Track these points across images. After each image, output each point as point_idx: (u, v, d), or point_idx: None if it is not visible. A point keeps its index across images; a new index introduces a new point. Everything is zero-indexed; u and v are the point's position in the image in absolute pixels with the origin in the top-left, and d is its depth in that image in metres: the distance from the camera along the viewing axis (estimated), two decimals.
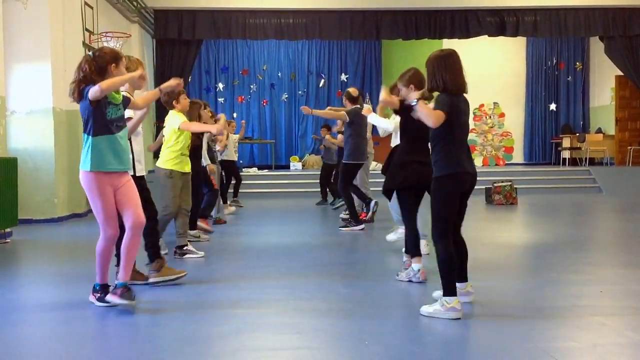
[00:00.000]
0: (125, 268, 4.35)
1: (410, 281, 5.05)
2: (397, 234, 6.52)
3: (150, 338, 3.71)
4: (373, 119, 6.09)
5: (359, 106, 8.27)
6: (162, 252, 5.65)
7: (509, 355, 3.31)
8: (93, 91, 4.12)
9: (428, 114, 3.95)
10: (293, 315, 4.13)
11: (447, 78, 4.03)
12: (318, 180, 12.17)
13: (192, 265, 5.96)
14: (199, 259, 6.24)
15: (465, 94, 4.15)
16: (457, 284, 4.13)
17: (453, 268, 4.02)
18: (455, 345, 3.55)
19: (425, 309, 4.03)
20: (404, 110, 4.72)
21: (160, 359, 3.33)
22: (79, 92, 4.26)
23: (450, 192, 4.04)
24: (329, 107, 9.64)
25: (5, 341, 3.65)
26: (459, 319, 3.89)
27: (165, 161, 6.12)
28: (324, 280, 5.18)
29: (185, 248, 6.31)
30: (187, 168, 6.27)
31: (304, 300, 4.52)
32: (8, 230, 7.73)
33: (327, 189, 11.89)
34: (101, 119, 4.28)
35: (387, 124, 6.06)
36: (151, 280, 5.02)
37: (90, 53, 4.38)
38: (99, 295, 4.36)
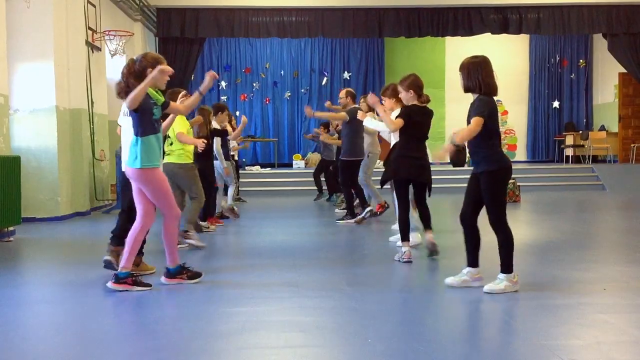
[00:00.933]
0: (173, 254, 4.87)
1: (399, 261, 5.71)
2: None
3: (153, 335, 3.71)
4: (368, 122, 6.70)
5: (357, 106, 8.70)
6: (202, 244, 6.72)
7: (513, 353, 3.30)
8: (125, 104, 4.63)
9: (469, 135, 4.43)
10: (296, 313, 4.13)
11: (484, 81, 4.51)
12: (313, 177, 12.42)
13: (195, 262, 5.96)
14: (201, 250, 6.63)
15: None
16: (471, 269, 4.62)
17: (513, 247, 4.54)
18: (458, 343, 3.54)
19: (492, 287, 4.45)
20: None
21: (163, 356, 3.33)
22: (124, 95, 4.62)
23: (505, 182, 4.59)
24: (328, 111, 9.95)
25: (7, 338, 3.66)
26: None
27: (188, 156, 6.73)
28: (327, 278, 5.18)
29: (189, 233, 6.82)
30: None
31: (307, 298, 4.52)
32: (11, 228, 7.75)
33: (321, 183, 12.18)
34: (149, 120, 4.67)
35: (382, 126, 6.49)
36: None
37: (135, 57, 4.80)
38: (184, 276, 4.86)
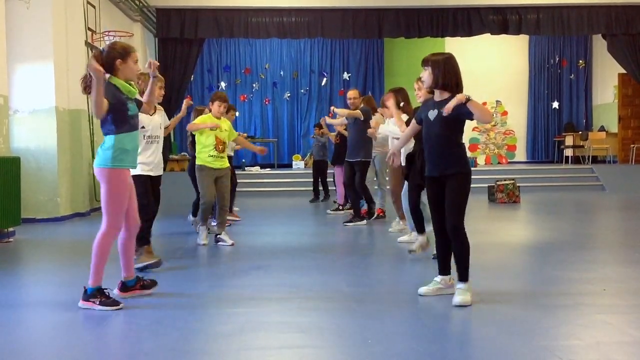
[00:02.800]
0: (128, 265, 4.57)
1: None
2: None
3: (153, 336, 3.71)
4: (383, 129, 7.07)
5: (365, 106, 8.79)
6: (202, 242, 6.94)
7: (513, 354, 3.30)
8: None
9: (484, 109, 4.23)
10: (296, 314, 4.13)
11: (460, 79, 4.34)
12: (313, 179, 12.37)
13: (194, 264, 5.96)
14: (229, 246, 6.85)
15: None
16: (444, 277, 4.51)
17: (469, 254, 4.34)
18: (458, 343, 3.54)
19: (463, 299, 4.21)
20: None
21: (163, 357, 3.33)
22: (86, 87, 4.25)
23: (470, 185, 4.35)
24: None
25: (6, 339, 3.65)
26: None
27: (200, 158, 6.94)
28: (327, 279, 5.18)
29: (218, 236, 7.01)
30: (218, 164, 6.92)
31: (307, 299, 4.52)
32: (11, 229, 7.75)
33: (323, 187, 12.14)
34: (123, 116, 4.29)
35: (397, 130, 6.55)
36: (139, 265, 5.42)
37: (102, 47, 4.37)
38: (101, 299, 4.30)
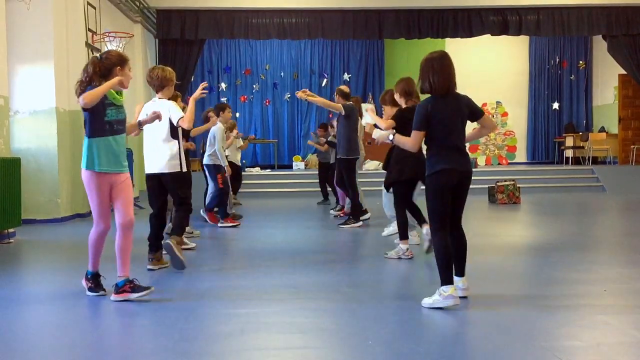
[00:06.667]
0: (124, 265, 4.51)
1: (399, 258, 5.90)
2: (391, 229, 7.08)
3: (153, 337, 3.71)
4: (376, 134, 6.29)
5: (352, 102, 8.62)
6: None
7: (513, 354, 3.30)
8: (80, 101, 4.34)
9: (404, 143, 4.41)
10: (296, 314, 4.13)
11: (433, 79, 4.23)
12: (318, 181, 12.17)
13: (194, 264, 5.96)
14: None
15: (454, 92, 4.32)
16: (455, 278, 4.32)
17: (448, 257, 4.20)
18: (458, 344, 3.54)
19: (426, 301, 4.22)
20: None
21: (163, 358, 3.33)
22: (82, 93, 4.40)
23: (438, 188, 4.23)
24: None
25: (6, 340, 3.66)
26: (457, 305, 4.12)
27: None
28: (327, 280, 5.18)
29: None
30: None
31: (307, 299, 4.52)
32: (11, 230, 7.74)
33: (328, 189, 11.93)
34: (98, 121, 4.46)
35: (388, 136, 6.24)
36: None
37: (98, 55, 4.54)
38: (90, 285, 4.67)
